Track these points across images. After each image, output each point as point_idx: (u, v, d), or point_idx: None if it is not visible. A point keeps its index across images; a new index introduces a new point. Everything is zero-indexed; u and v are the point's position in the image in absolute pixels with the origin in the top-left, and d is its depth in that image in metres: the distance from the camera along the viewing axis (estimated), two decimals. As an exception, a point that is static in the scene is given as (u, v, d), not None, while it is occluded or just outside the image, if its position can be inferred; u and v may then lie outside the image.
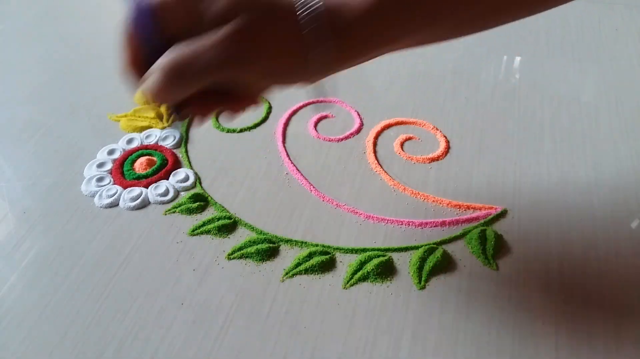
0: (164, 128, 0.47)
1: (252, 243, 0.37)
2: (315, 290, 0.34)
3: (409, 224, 0.38)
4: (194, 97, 0.27)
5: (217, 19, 0.25)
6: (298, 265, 0.36)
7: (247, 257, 0.36)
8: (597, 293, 0.34)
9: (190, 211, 0.39)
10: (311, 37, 0.26)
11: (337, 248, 0.37)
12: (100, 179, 0.42)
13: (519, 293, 0.34)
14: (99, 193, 0.41)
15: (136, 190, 0.41)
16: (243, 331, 0.32)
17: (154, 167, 0.43)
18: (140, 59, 0.28)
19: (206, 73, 0.26)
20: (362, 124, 0.46)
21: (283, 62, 0.27)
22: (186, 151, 0.45)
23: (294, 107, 0.48)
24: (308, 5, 0.25)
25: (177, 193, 0.41)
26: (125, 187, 0.41)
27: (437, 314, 0.33)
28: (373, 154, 0.43)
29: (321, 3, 0.26)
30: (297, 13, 0.25)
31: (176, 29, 0.26)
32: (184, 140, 0.46)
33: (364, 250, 0.36)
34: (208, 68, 0.26)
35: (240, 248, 0.37)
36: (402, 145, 0.44)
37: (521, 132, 0.45)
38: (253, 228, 0.38)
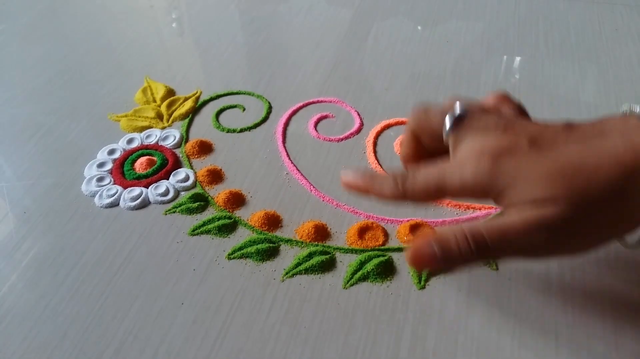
0: (164, 128, 0.47)
1: (252, 243, 0.37)
2: (315, 289, 0.34)
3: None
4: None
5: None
6: (298, 264, 0.36)
7: (247, 257, 0.36)
8: (597, 293, 0.34)
9: (190, 211, 0.39)
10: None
11: (337, 248, 0.37)
12: (100, 179, 0.42)
13: (519, 293, 0.34)
14: (99, 193, 0.41)
15: (136, 190, 0.41)
16: (243, 331, 0.32)
17: (154, 167, 0.43)
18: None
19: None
20: (362, 124, 0.46)
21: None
22: (186, 151, 0.45)
23: (294, 107, 0.48)
24: None
25: (177, 193, 0.41)
26: (125, 187, 0.41)
27: (437, 314, 0.33)
28: (373, 154, 0.43)
29: None
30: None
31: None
32: (184, 140, 0.46)
33: (363, 250, 0.36)
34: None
35: (240, 248, 0.37)
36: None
37: (521, 132, 0.45)
38: (253, 228, 0.38)
